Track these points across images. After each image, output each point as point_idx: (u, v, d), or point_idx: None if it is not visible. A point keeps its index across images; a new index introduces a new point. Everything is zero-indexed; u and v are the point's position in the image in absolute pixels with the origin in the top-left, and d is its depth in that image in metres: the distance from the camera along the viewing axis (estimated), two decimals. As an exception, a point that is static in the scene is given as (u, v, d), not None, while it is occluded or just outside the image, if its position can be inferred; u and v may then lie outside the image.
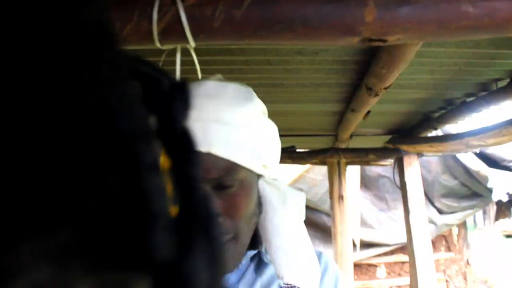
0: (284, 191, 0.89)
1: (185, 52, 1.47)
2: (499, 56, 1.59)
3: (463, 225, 6.64)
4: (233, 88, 0.82)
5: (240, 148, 0.76)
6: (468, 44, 1.44)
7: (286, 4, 0.69)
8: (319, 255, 0.95)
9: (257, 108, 0.83)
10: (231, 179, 0.76)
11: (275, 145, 0.87)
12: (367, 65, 1.63)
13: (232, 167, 0.76)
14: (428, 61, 1.65)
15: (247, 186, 0.80)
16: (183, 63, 0.72)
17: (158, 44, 0.73)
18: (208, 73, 0.86)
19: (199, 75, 0.71)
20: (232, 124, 0.76)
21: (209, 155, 0.73)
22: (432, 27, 0.70)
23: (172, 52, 0.76)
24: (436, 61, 1.65)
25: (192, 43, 0.71)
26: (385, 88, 1.57)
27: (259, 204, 0.87)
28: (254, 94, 0.86)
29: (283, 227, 0.83)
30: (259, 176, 0.90)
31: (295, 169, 5.80)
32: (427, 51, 1.53)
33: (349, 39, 0.72)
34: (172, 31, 0.71)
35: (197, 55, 1.73)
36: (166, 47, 0.75)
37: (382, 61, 1.34)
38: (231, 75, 1.93)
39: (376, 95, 1.67)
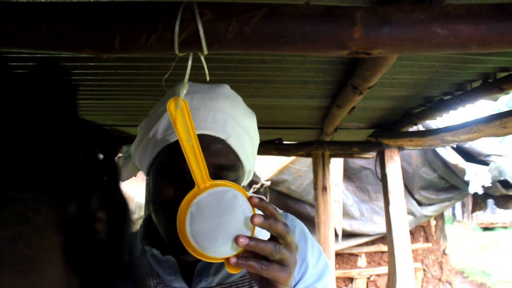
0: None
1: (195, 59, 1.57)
2: (471, 60, 1.75)
3: (440, 216, 6.83)
4: (242, 101, 0.95)
5: (243, 147, 0.87)
6: (444, 49, 1.60)
7: (288, 22, 0.83)
8: (285, 215, 1.02)
9: (254, 121, 0.94)
10: (231, 172, 0.85)
11: (256, 155, 0.97)
12: (353, 65, 1.77)
13: (236, 162, 0.86)
14: (409, 63, 1.80)
15: (239, 185, 0.87)
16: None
17: (177, 52, 0.85)
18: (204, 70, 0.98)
19: (207, 77, 0.85)
20: (241, 126, 0.88)
21: (225, 144, 0.84)
22: (408, 44, 0.85)
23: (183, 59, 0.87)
24: (416, 63, 1.81)
25: (205, 52, 0.85)
26: (369, 88, 1.72)
27: None
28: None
29: None
30: None
31: (280, 160, 5.91)
32: (407, 55, 1.69)
33: (339, 52, 0.86)
34: (191, 42, 0.83)
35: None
36: (181, 54, 0.88)
37: (367, 64, 1.49)
38: (227, 72, 2.06)
39: (361, 93, 1.82)
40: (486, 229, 16.78)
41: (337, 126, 3.36)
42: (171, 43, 0.85)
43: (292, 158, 5.76)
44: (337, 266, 6.50)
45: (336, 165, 5.82)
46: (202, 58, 0.90)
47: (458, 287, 7.30)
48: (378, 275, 6.54)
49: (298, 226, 1.00)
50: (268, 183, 6.09)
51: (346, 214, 6.14)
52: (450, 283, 6.66)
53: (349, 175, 6.25)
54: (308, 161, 5.46)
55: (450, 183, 6.08)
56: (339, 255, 6.44)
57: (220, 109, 0.86)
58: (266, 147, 3.83)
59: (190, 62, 0.87)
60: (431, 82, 2.16)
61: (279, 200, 6.24)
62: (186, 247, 0.75)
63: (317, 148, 3.77)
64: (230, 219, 0.75)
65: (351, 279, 6.59)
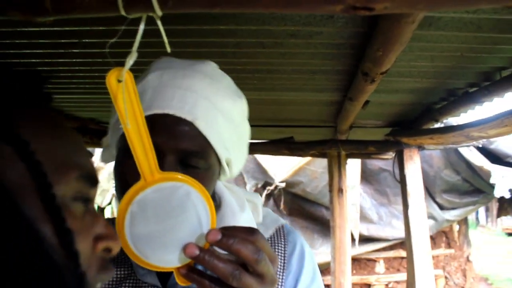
0: (241, 197, 0.90)
1: (173, 34, 1.39)
2: (502, 41, 1.50)
3: (464, 221, 6.60)
4: (230, 81, 0.85)
5: (218, 132, 0.77)
6: (470, 27, 1.36)
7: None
8: (287, 232, 0.93)
9: (243, 109, 0.84)
10: (200, 159, 0.76)
11: (244, 148, 0.88)
12: (363, 49, 1.55)
13: (206, 147, 0.76)
14: (428, 46, 1.57)
15: (211, 174, 0.79)
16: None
17: (123, 12, 0.65)
18: (200, 57, 0.83)
19: (168, 48, 0.64)
20: (219, 108, 0.77)
21: (191, 126, 0.74)
22: (424, -6, 0.63)
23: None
24: (437, 46, 1.57)
25: (158, 12, 0.64)
26: (382, 74, 1.49)
27: (216, 206, 0.86)
28: (244, 97, 0.88)
29: None
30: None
31: (295, 161, 5.75)
32: (426, 34, 1.46)
33: (331, 7, 0.65)
34: (139, -2, 0.64)
35: (187, 36, 1.66)
36: (133, 16, 0.67)
37: (377, 42, 1.27)
38: (224, 59, 1.87)
39: (373, 81, 1.59)
40: (511, 234, 16.32)
41: (352, 124, 3.16)
42: (114, 0, 0.67)
43: (308, 159, 5.60)
44: (354, 271, 6.28)
45: (353, 166, 5.65)
46: (158, 21, 0.71)
47: (482, 296, 7.00)
48: (397, 282, 6.32)
49: (298, 244, 0.92)
50: (283, 185, 5.95)
51: (364, 217, 5.94)
52: (474, 292, 6.38)
53: (367, 177, 6.05)
54: (324, 162, 5.30)
55: (474, 186, 5.84)
56: (356, 260, 6.25)
57: (192, 88, 0.76)
58: (277, 146, 3.63)
59: (142, 26, 0.68)
60: (454, 71, 1.92)
61: (294, 203, 6.10)
62: (127, 253, 0.64)
63: (330, 147, 3.55)
64: (180, 222, 0.64)
65: (368, 286, 6.38)
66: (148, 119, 0.74)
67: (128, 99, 0.60)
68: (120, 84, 0.60)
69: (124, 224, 0.63)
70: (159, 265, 0.64)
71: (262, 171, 5.96)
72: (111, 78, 0.60)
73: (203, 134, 0.75)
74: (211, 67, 0.83)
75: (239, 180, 6.21)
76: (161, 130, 0.73)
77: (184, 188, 0.64)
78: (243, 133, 0.85)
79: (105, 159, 0.93)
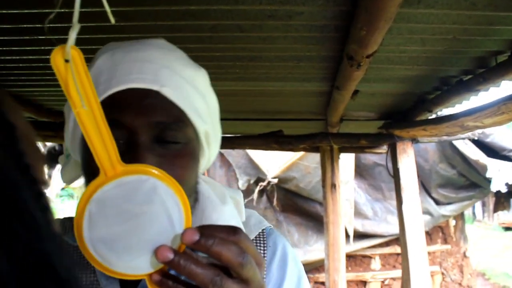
0: (221, 189, 0.83)
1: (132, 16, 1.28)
2: (498, 21, 1.38)
3: (460, 216, 6.50)
4: (184, 53, 0.78)
5: (189, 100, 0.70)
6: (462, 4, 1.24)
7: None
8: (268, 235, 0.85)
9: (206, 78, 0.78)
10: (177, 131, 0.68)
11: (217, 124, 0.80)
12: (348, 32, 1.43)
13: (180, 116, 0.69)
14: (418, 27, 1.44)
15: (192, 149, 0.72)
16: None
17: None
18: (176, 42, 0.75)
19: (111, 19, 0.51)
20: (183, 76, 0.71)
21: (159, 95, 0.66)
22: None
23: None
24: (427, 28, 1.45)
25: None
26: (368, 57, 1.37)
27: (196, 199, 0.78)
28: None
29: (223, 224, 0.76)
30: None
31: (288, 157, 5.64)
32: (415, 13, 1.33)
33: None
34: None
35: (158, 19, 1.54)
36: None
37: (361, 20, 1.15)
38: (200, 45, 1.74)
39: (359, 65, 1.47)
40: (508, 229, 16.30)
41: (343, 116, 3.05)
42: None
43: (300, 154, 5.50)
44: (349, 268, 6.18)
45: (347, 161, 5.55)
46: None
47: (479, 291, 6.92)
48: (393, 279, 6.22)
49: (280, 248, 0.83)
50: (275, 180, 5.84)
51: (358, 213, 5.84)
52: (471, 288, 6.28)
53: (361, 172, 5.95)
54: (317, 157, 5.20)
55: (470, 181, 5.75)
56: (351, 257, 6.15)
57: (149, 59, 0.69)
58: (266, 140, 3.50)
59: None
60: (447, 56, 1.80)
61: (287, 199, 5.99)
62: (88, 260, 0.54)
63: (321, 141, 3.43)
64: (146, 222, 0.54)
65: (364, 283, 6.28)
66: (108, 100, 0.65)
67: (78, 80, 0.49)
68: (69, 65, 0.49)
69: (82, 227, 0.54)
70: (126, 272, 0.54)
71: (254, 166, 5.84)
72: (57, 58, 0.48)
73: (173, 103, 0.67)
74: (162, 40, 0.76)
75: (231, 177, 6.10)
76: (126, 106, 0.65)
77: (151, 183, 0.54)
78: (212, 105, 0.77)
79: (66, 179, 0.84)
